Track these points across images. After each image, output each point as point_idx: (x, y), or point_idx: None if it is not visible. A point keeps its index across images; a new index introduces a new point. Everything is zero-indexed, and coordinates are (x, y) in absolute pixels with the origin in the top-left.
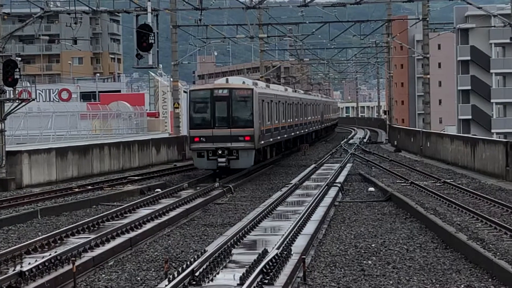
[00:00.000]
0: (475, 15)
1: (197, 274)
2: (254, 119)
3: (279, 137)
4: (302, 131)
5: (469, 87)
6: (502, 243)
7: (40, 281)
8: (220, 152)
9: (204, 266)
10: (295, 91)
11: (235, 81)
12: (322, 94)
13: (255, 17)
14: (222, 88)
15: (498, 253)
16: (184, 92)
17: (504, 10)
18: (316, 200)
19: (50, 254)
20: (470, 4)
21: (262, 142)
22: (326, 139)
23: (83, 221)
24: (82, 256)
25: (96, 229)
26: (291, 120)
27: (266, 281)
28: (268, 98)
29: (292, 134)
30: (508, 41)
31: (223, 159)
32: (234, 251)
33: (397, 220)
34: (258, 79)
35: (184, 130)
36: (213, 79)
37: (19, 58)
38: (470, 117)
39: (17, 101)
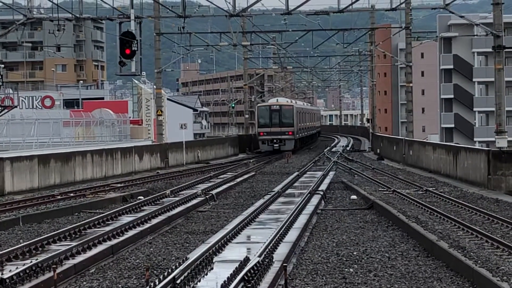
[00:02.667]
0: (458, 24)
1: (178, 281)
2: (294, 122)
3: (303, 134)
4: (311, 131)
5: (452, 96)
6: (483, 251)
7: None
8: (274, 141)
9: (186, 274)
10: (305, 104)
11: (282, 100)
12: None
13: (239, 25)
14: (276, 104)
15: (479, 261)
16: (168, 99)
17: (487, 19)
18: (299, 208)
19: (31, 261)
20: (453, 13)
21: (297, 136)
22: (310, 147)
23: (65, 229)
24: (63, 263)
25: (78, 236)
26: (307, 124)
27: None
28: (299, 110)
29: (308, 133)
30: (490, 50)
31: (277, 145)
32: (216, 258)
33: (379, 228)
34: (242, 87)
35: (167, 138)
36: (196, 87)
37: (2, 65)
38: (453, 125)
39: None
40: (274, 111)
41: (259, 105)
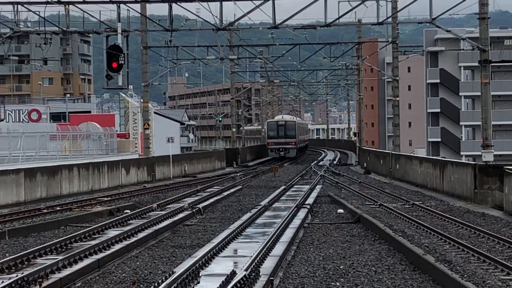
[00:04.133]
0: (445, 38)
1: None
2: (296, 134)
3: (301, 144)
4: (305, 142)
5: (439, 110)
6: (469, 265)
7: None
8: (281, 149)
9: None
10: (301, 119)
11: (286, 117)
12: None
13: (226, 38)
14: (281, 120)
15: (465, 275)
16: (155, 113)
17: (473, 33)
18: (286, 221)
19: (17, 275)
20: (439, 27)
21: (299, 145)
22: (297, 160)
23: (51, 242)
24: (49, 277)
25: (64, 250)
26: (304, 136)
27: None
28: (299, 124)
29: (304, 144)
30: (477, 64)
31: (282, 152)
32: (202, 272)
33: (366, 242)
34: (229, 101)
35: (154, 151)
36: (183, 100)
37: None
38: (439, 139)
39: None
40: (280, 126)
41: (268, 121)
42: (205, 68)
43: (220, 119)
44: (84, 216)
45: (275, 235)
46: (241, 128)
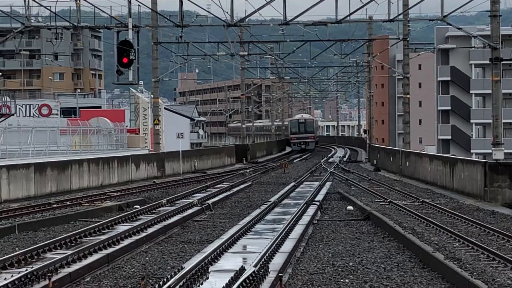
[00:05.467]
0: (456, 36)
1: None
2: (314, 130)
3: (317, 138)
4: (319, 137)
5: (449, 107)
6: (479, 263)
7: None
8: (302, 143)
9: (181, 283)
10: (316, 117)
11: (305, 115)
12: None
13: (236, 34)
14: (302, 118)
15: (475, 273)
16: (165, 109)
17: (484, 31)
18: (295, 218)
19: (26, 270)
20: (451, 25)
21: (316, 139)
22: (307, 157)
23: (61, 237)
24: (58, 271)
25: (73, 245)
26: (318, 132)
27: None
28: (315, 121)
29: (318, 138)
30: (488, 62)
31: (303, 145)
32: (211, 268)
33: (375, 239)
34: (239, 97)
35: (164, 147)
36: (194, 96)
37: (0, 73)
38: (449, 137)
39: None
40: (301, 123)
41: (290, 119)
42: (215, 64)
43: (230, 115)
44: (94, 211)
45: (284, 232)
46: (227, 124)
